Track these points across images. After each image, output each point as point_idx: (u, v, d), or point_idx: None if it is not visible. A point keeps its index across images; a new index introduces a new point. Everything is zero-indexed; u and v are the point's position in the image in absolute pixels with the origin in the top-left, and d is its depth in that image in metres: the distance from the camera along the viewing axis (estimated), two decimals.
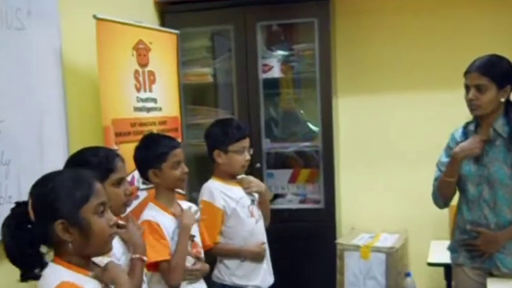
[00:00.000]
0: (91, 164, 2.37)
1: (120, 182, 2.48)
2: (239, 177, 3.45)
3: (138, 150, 2.99)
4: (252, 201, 3.48)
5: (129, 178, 3.04)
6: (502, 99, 3.02)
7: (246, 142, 3.40)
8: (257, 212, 3.49)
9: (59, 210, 1.96)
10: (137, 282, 2.41)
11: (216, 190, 3.37)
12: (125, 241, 2.55)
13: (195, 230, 2.97)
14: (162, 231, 2.83)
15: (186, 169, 2.93)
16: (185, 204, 3.10)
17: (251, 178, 3.48)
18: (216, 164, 3.43)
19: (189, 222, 2.88)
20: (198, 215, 2.97)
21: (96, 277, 2.03)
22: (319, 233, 4.63)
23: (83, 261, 2.04)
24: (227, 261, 3.47)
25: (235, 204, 3.38)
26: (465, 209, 3.16)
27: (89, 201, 2.00)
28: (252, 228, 3.43)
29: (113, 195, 2.34)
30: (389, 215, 4.95)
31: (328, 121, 4.61)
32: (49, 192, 1.97)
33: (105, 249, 2.07)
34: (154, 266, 2.84)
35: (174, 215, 2.91)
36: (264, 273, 3.49)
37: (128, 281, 2.07)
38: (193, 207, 3.06)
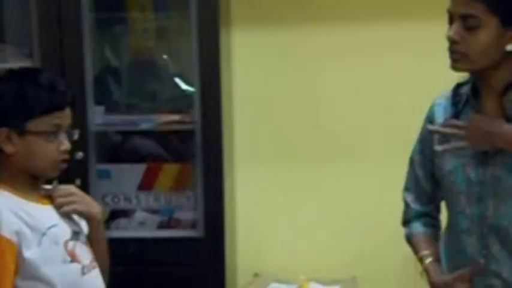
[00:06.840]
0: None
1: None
2: (46, 187, 2.68)
3: None
4: (75, 233, 2.70)
5: None
6: (509, 47, 2.52)
7: (64, 116, 2.66)
8: (85, 253, 2.67)
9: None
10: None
11: (2, 208, 2.58)
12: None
13: None
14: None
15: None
16: None
17: (69, 187, 2.75)
18: (3, 157, 2.64)
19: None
20: None
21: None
22: (196, 284, 3.78)
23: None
24: None
25: (41, 237, 2.57)
26: (455, 241, 2.68)
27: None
28: (76, 286, 2.60)
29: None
30: (323, 252, 4.13)
31: (212, 74, 3.80)
32: None
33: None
34: None
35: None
36: None
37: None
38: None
